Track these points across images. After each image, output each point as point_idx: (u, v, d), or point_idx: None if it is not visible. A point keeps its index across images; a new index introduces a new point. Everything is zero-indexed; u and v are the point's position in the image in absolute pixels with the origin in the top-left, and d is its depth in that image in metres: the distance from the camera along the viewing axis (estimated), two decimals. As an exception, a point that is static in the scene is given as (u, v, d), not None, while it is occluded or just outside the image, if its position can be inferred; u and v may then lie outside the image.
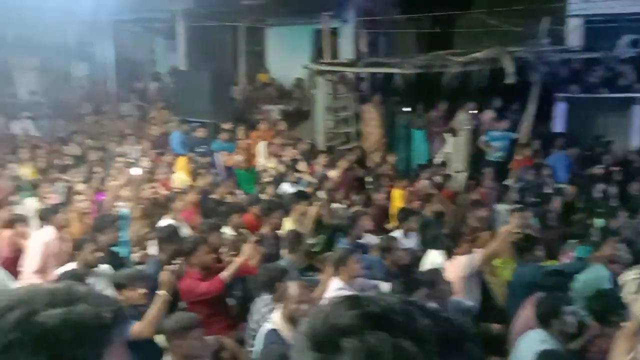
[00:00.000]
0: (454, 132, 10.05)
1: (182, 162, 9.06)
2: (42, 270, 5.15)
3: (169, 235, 5.05)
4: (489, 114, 10.23)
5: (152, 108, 12.00)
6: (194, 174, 8.41)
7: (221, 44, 13.07)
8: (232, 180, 8.40)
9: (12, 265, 5.36)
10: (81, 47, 13.27)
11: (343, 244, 5.70)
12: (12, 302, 0.88)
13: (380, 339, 0.73)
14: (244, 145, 9.84)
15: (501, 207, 7.42)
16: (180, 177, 8.42)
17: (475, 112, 10.19)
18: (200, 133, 10.21)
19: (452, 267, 4.95)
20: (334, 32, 11.54)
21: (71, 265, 4.64)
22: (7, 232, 5.71)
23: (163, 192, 7.32)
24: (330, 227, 6.30)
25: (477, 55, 9.01)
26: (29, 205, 6.71)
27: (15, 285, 4.92)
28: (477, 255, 5.02)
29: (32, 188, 7.16)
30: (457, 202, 7.71)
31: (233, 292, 5.22)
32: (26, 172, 8.15)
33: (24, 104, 11.98)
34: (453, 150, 10.00)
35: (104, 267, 4.75)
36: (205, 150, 9.70)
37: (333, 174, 8.41)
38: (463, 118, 9.96)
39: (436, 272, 4.47)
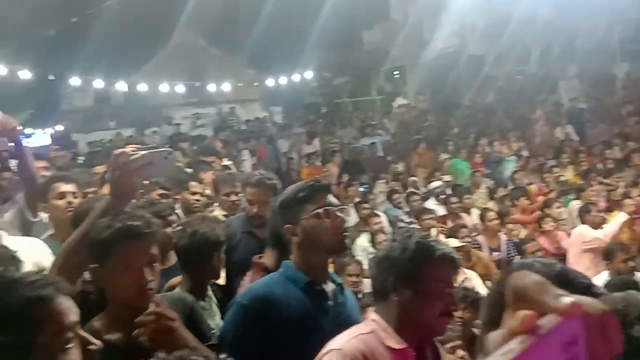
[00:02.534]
0: None
1: None
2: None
3: None
4: None
5: None
6: None
7: None
8: None
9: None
10: (623, 46, 12.76)
11: None
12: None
13: None
14: None
15: None
16: None
17: None
18: None
19: None
20: None
21: (604, 274, 4.55)
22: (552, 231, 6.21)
23: None
24: None
25: None
26: (572, 207, 7.00)
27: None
28: None
29: (576, 191, 7.44)
30: None
31: None
32: (568, 175, 8.53)
33: (565, 111, 12.57)
34: None
35: (640, 278, 4.42)
36: None
37: None
38: None
39: None
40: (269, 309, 1.90)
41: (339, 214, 2.02)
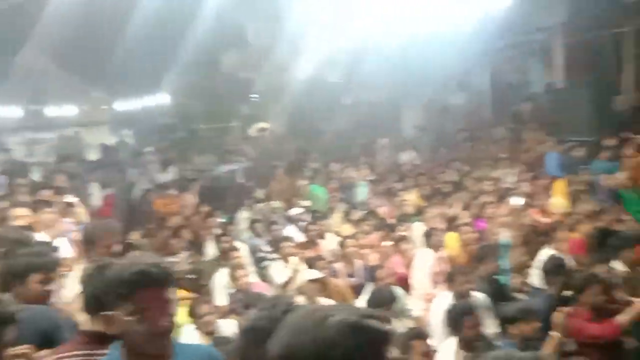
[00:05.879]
0: None
1: (559, 185, 8.60)
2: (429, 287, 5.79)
3: (556, 268, 4.90)
4: None
5: (525, 130, 11.85)
6: (573, 199, 7.87)
7: (602, 53, 11.91)
8: (619, 206, 7.49)
9: (404, 281, 6.12)
10: (459, 78, 14.20)
11: None
12: None
13: None
14: (631, 164, 8.60)
15: None
16: (558, 202, 8.01)
17: None
18: (579, 152, 9.53)
19: None
20: None
21: (446, 295, 4.91)
22: (400, 252, 6.60)
23: (541, 218, 7.13)
24: None
25: None
26: (417, 228, 7.52)
27: (409, 299, 5.63)
28: None
29: (419, 213, 8.04)
30: None
31: (631, 338, 4.63)
32: (412, 198, 9.14)
33: (409, 137, 13.66)
34: None
35: (479, 296, 4.85)
36: (585, 171, 8.96)
37: None
38: None
39: None
40: None
41: (164, 314, 1.80)
